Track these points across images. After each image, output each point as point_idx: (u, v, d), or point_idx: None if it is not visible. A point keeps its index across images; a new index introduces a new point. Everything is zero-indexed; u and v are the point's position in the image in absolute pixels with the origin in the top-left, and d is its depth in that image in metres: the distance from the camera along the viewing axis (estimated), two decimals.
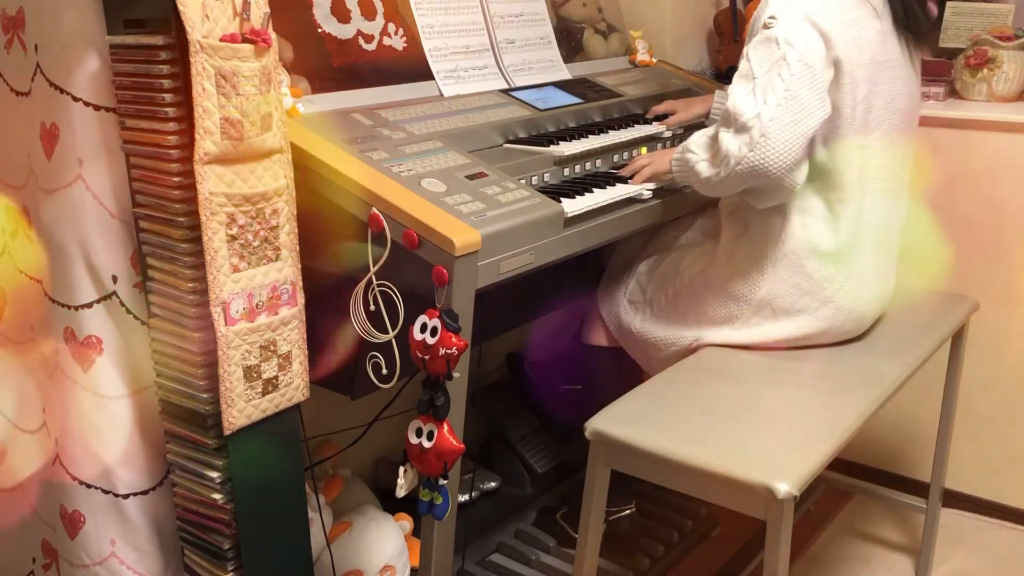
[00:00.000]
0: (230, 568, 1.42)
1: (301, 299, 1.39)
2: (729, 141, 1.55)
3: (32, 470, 1.63)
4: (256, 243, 1.31)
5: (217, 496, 1.38)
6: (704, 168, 1.61)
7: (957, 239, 2.30)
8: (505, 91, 1.93)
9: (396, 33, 1.79)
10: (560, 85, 2.05)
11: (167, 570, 1.51)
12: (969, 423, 2.39)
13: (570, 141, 1.82)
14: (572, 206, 1.55)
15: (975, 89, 2.40)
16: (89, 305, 1.41)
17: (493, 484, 2.24)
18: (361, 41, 1.73)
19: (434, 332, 1.32)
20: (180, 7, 1.19)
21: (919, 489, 2.35)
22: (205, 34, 1.21)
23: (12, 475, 1.67)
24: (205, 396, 1.34)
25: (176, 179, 1.28)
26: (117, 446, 1.44)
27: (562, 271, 1.68)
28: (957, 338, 2.04)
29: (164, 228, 1.32)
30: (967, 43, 2.42)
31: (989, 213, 2.30)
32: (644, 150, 1.92)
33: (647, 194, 1.72)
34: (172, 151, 1.28)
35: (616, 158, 1.87)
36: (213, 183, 1.25)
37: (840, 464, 2.43)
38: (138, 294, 1.41)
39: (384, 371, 1.39)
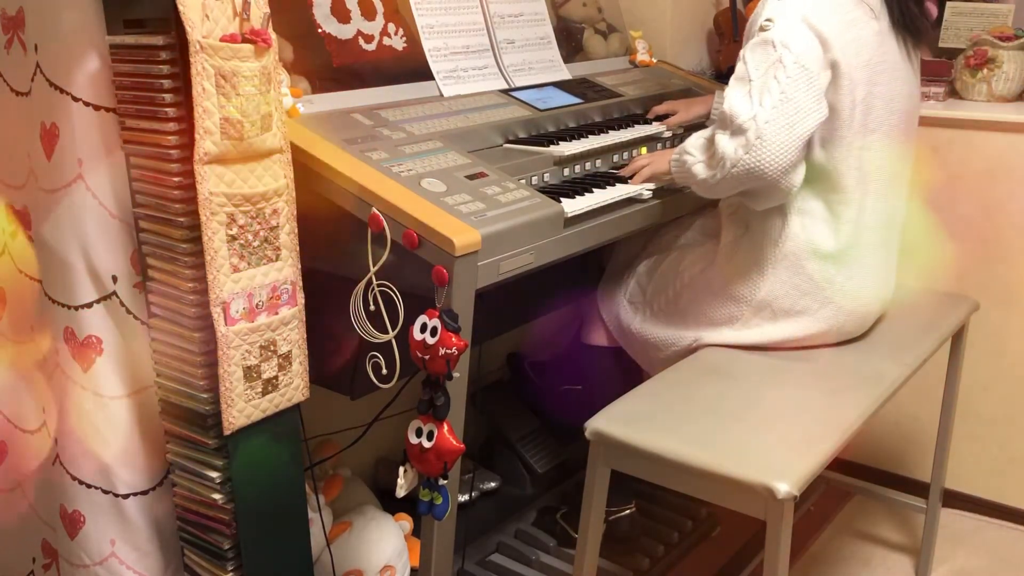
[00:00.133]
0: (230, 568, 1.42)
1: (301, 299, 1.39)
2: (725, 143, 1.55)
3: (32, 470, 1.63)
4: (256, 243, 1.31)
5: (217, 496, 1.38)
6: (701, 170, 1.61)
7: (957, 239, 2.30)
8: (505, 91, 1.93)
9: (396, 33, 1.79)
10: (560, 85, 2.05)
11: (167, 570, 1.51)
12: (969, 423, 2.39)
13: (570, 141, 1.82)
14: (572, 206, 1.55)
15: (975, 89, 2.40)
16: (89, 305, 1.41)
17: (493, 484, 2.24)
18: (361, 41, 1.73)
19: (434, 332, 1.32)
20: (180, 7, 1.19)
21: (919, 489, 2.35)
22: (205, 34, 1.21)
23: (12, 475, 1.68)
24: (205, 396, 1.34)
25: (176, 179, 1.28)
26: (117, 446, 1.44)
27: (562, 271, 1.68)
28: (957, 338, 2.04)
29: (164, 228, 1.32)
30: (967, 43, 2.42)
31: (989, 213, 2.30)
32: (644, 150, 1.92)
33: (647, 194, 1.72)
34: (172, 151, 1.28)
35: (616, 158, 1.87)
36: (213, 183, 1.25)
37: (840, 464, 2.43)
38: (138, 294, 1.41)
39: (384, 371, 1.39)
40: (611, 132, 1.92)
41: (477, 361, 2.14)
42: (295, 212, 1.36)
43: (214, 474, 1.38)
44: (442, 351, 1.31)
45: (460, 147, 1.63)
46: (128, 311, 1.41)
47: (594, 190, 1.65)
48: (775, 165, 1.53)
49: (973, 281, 2.29)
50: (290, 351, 1.38)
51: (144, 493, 1.47)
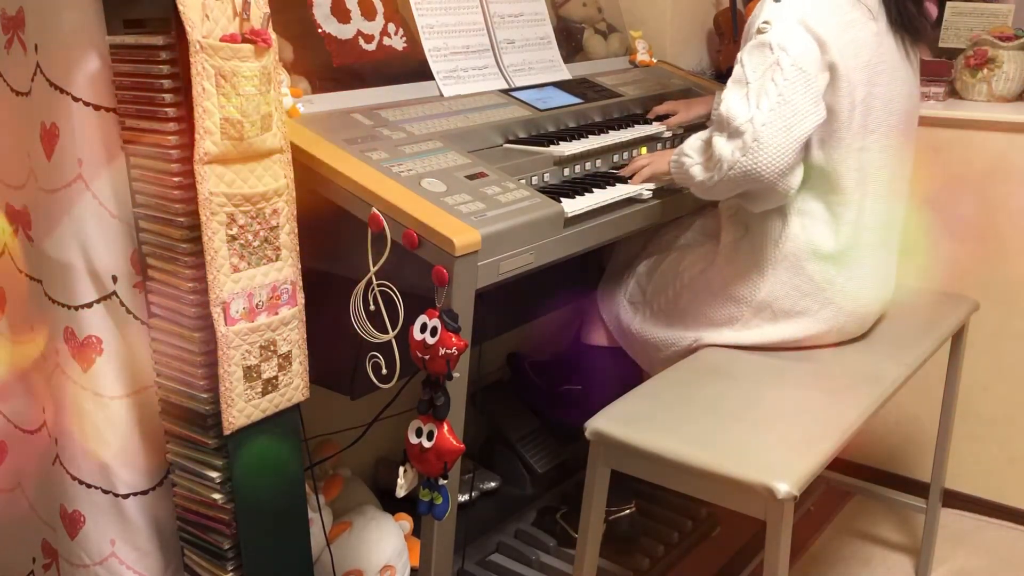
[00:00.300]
0: (230, 568, 1.42)
1: (301, 299, 1.39)
2: (722, 146, 1.55)
3: (32, 470, 1.63)
4: (256, 243, 1.31)
5: (217, 496, 1.38)
6: (698, 172, 1.61)
7: (957, 239, 2.30)
8: (505, 91, 1.93)
9: (396, 33, 1.79)
10: (560, 85, 2.05)
11: (167, 570, 1.51)
12: (969, 423, 2.39)
13: (570, 141, 1.82)
14: (572, 206, 1.55)
15: (975, 89, 2.40)
16: (89, 305, 1.41)
17: (493, 484, 2.24)
18: (361, 41, 1.73)
19: (434, 332, 1.32)
20: (180, 7, 1.19)
21: (919, 489, 2.35)
22: (205, 34, 1.21)
23: (12, 475, 1.67)
24: (205, 396, 1.34)
25: (176, 179, 1.28)
26: (117, 446, 1.44)
27: (562, 271, 1.68)
28: (957, 338, 2.04)
29: (164, 228, 1.32)
30: (967, 43, 2.42)
31: (989, 213, 2.30)
32: (644, 150, 1.92)
33: (647, 194, 1.72)
34: (172, 151, 1.28)
35: (616, 158, 1.87)
36: (213, 183, 1.25)
37: (840, 464, 2.42)
38: (138, 294, 1.41)
39: (384, 371, 1.39)
40: (611, 132, 1.92)
41: (477, 361, 2.14)
42: (295, 212, 1.36)
43: (214, 474, 1.38)
44: (442, 351, 1.31)
45: (460, 147, 1.63)
46: (128, 311, 1.41)
47: (594, 190, 1.65)
48: (772, 168, 1.53)
49: (973, 281, 2.28)
50: (290, 351, 1.38)
51: (144, 493, 1.47)
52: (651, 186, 1.72)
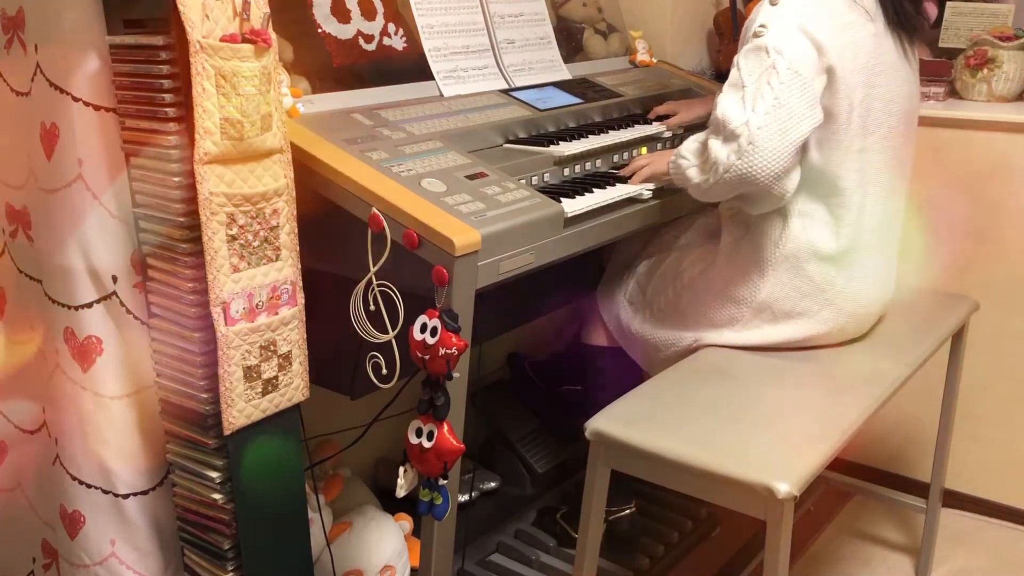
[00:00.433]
0: (230, 568, 1.42)
1: (301, 299, 1.39)
2: (718, 148, 1.55)
3: (32, 470, 1.63)
4: (256, 243, 1.31)
5: (217, 496, 1.38)
6: (694, 174, 1.62)
7: (957, 239, 2.30)
8: (505, 91, 1.93)
9: (396, 33, 1.79)
10: (560, 85, 2.05)
11: (167, 570, 1.51)
12: (969, 423, 2.39)
13: (570, 141, 1.82)
14: (572, 206, 1.55)
15: (975, 89, 2.40)
16: (89, 305, 1.41)
17: (493, 484, 2.24)
18: (361, 41, 1.73)
19: (434, 332, 1.32)
20: (180, 7, 1.19)
21: (919, 489, 2.35)
22: (205, 34, 1.21)
23: (12, 475, 1.67)
24: (205, 396, 1.34)
25: (176, 179, 1.28)
26: (117, 446, 1.44)
27: (562, 271, 1.68)
28: (957, 338, 2.04)
29: (164, 228, 1.32)
30: (967, 43, 2.42)
31: (989, 213, 2.30)
32: (644, 150, 1.92)
33: (647, 194, 1.72)
34: (172, 151, 1.28)
35: (616, 158, 1.87)
36: (213, 183, 1.25)
37: (840, 464, 2.42)
38: (138, 294, 1.41)
39: (384, 371, 1.39)
40: (611, 132, 1.92)
41: (477, 361, 2.14)
42: (295, 212, 1.36)
43: (214, 474, 1.38)
44: (442, 351, 1.31)
45: (460, 147, 1.63)
46: (128, 311, 1.41)
47: (594, 190, 1.65)
48: (767, 171, 1.53)
49: (973, 281, 2.28)
50: (290, 351, 1.38)
51: (144, 493, 1.47)
52: (651, 186, 1.72)
